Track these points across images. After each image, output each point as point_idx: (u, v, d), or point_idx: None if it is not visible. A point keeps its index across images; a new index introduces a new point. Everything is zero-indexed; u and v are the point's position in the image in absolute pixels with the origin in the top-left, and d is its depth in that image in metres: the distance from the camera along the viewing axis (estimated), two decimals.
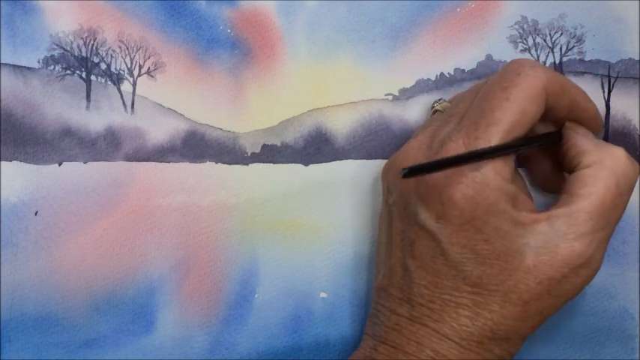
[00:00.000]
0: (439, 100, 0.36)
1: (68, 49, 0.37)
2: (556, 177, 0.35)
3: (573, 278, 0.30)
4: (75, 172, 0.37)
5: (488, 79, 0.33)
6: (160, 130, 0.37)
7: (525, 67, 0.31)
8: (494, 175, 0.30)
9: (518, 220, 0.30)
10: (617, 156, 0.31)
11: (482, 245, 0.30)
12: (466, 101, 0.33)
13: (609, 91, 0.37)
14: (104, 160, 0.37)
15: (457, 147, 0.30)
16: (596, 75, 0.37)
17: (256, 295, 0.37)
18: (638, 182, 0.37)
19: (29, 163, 0.37)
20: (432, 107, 0.36)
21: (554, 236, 0.30)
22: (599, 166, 0.31)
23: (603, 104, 0.37)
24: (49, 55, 0.37)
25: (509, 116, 0.30)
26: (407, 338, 0.31)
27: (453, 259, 0.30)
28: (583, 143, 0.32)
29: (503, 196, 0.30)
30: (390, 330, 0.32)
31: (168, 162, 0.38)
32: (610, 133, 0.37)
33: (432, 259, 0.31)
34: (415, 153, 0.32)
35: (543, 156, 0.35)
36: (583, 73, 0.37)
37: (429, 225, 0.30)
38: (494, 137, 0.30)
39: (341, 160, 0.38)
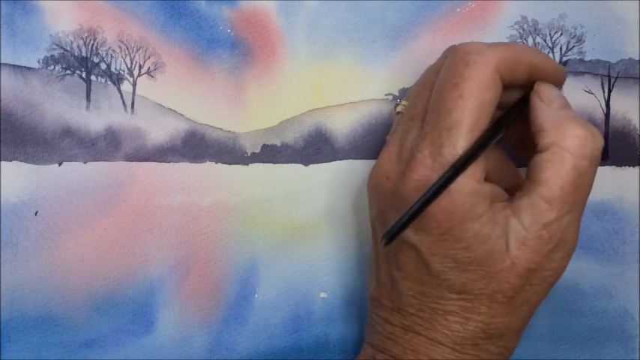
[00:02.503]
0: (398, 101, 0.34)
1: (68, 49, 0.37)
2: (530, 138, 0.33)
3: (548, 264, 0.30)
4: (75, 172, 0.37)
5: (440, 63, 0.32)
6: (160, 130, 0.37)
7: (472, 54, 0.30)
8: (466, 180, 0.29)
9: (497, 220, 0.30)
10: (573, 135, 0.29)
11: (463, 253, 0.30)
12: (422, 98, 0.31)
13: (609, 91, 0.37)
14: (104, 160, 0.37)
15: (424, 158, 0.29)
16: (596, 75, 0.37)
17: (256, 295, 0.37)
18: (639, 185, 0.37)
19: (29, 163, 0.37)
20: (395, 109, 0.35)
21: (522, 229, 0.29)
22: (555, 149, 0.29)
23: (603, 104, 0.37)
24: (49, 55, 0.37)
25: (468, 115, 0.29)
26: (403, 347, 0.31)
27: (435, 269, 0.30)
28: (543, 119, 0.30)
29: (480, 199, 0.29)
30: (386, 339, 0.32)
31: (168, 162, 0.37)
32: (610, 133, 0.37)
33: (415, 269, 0.31)
34: (387, 166, 0.32)
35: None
36: (583, 73, 0.37)
37: (409, 237, 0.30)
38: (458, 141, 0.29)
39: (341, 160, 0.38)
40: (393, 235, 0.29)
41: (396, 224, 0.29)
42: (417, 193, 0.29)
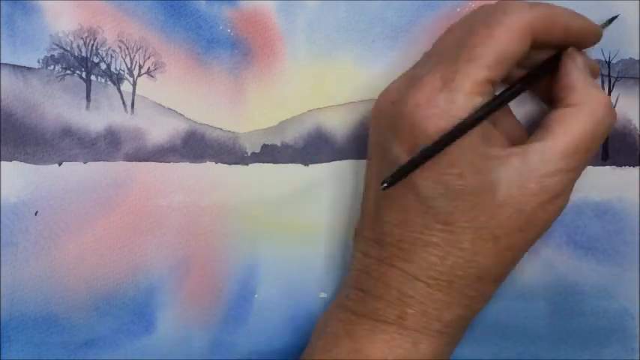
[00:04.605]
0: None
1: (68, 49, 0.37)
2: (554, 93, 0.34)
3: (541, 213, 0.30)
4: (75, 172, 0.37)
5: (468, 17, 0.32)
6: (160, 130, 0.37)
7: (511, 5, 0.30)
8: (465, 103, 0.29)
9: (491, 155, 0.30)
10: (599, 102, 0.31)
11: (456, 180, 0.29)
12: (443, 41, 0.32)
13: (609, 91, 0.37)
14: (104, 160, 0.37)
15: (433, 80, 0.30)
16: None
17: (256, 295, 0.37)
18: (639, 185, 0.37)
19: (29, 163, 0.37)
20: None
21: (525, 171, 0.30)
22: (580, 108, 0.31)
23: None
24: (49, 55, 0.37)
25: (492, 53, 0.29)
26: (375, 280, 0.31)
27: (425, 194, 0.30)
28: (574, 78, 0.31)
29: (479, 130, 0.29)
30: (361, 273, 0.32)
31: (168, 162, 0.38)
32: (610, 133, 0.37)
33: (402, 195, 0.30)
34: (394, 92, 0.32)
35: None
36: None
37: (401, 159, 0.30)
38: (473, 72, 0.29)
39: (341, 160, 0.38)
40: (392, 181, 0.28)
41: (398, 171, 0.29)
42: (417, 110, 0.29)
